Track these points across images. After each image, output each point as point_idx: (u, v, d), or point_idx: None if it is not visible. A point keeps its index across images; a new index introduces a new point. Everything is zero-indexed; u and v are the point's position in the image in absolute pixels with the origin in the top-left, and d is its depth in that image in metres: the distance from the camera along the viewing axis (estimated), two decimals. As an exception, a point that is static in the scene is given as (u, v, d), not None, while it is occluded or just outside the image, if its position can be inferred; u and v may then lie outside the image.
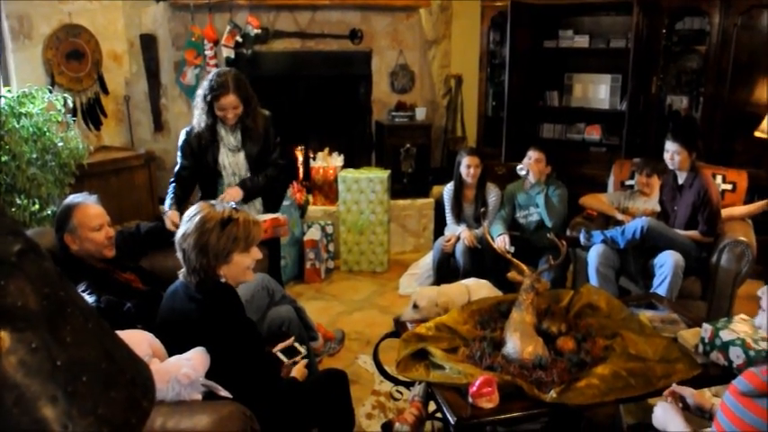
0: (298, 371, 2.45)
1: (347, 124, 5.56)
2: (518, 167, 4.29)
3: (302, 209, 4.87)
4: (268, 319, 2.95)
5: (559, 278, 4.03)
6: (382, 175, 4.90)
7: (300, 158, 5.34)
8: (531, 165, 4.20)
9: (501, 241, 4.02)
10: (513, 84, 5.24)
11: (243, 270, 2.23)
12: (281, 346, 2.53)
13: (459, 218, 4.35)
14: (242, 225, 2.17)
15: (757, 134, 4.16)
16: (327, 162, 5.16)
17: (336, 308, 4.31)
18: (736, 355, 2.33)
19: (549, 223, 4.12)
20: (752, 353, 2.27)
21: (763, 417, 1.48)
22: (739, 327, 2.42)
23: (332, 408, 2.40)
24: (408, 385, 2.86)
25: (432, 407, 2.67)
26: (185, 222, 2.18)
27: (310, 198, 5.08)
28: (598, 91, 5.44)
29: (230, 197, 3.30)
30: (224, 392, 1.97)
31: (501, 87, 5.51)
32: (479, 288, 3.03)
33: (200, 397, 1.94)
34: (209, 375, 1.98)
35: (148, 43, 5.04)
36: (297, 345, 2.55)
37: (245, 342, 2.17)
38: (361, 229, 4.88)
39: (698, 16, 4.94)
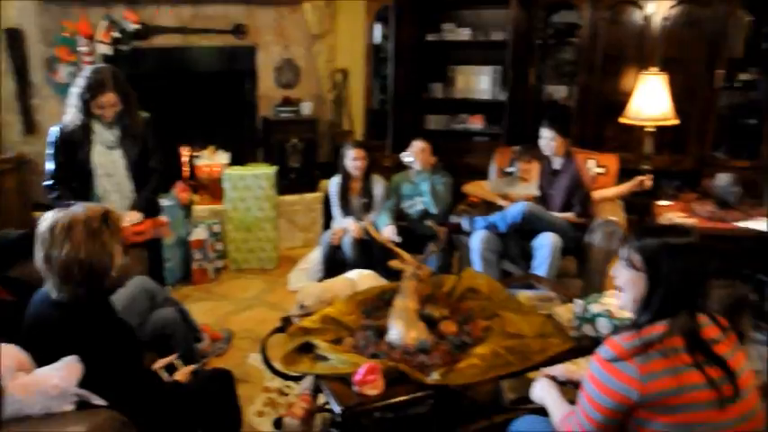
0: (181, 375, 2.40)
1: (232, 121, 5.45)
2: (403, 155, 4.35)
3: (187, 209, 4.73)
4: (150, 323, 2.85)
5: (445, 265, 4.13)
6: (269, 171, 4.84)
7: (185, 157, 5.18)
8: (416, 153, 4.28)
9: (388, 231, 4.06)
10: (397, 77, 5.30)
11: None
12: (161, 362, 2.45)
13: (346, 210, 4.37)
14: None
15: (622, 120, 4.39)
16: (212, 160, 5.04)
17: (225, 307, 4.23)
18: (604, 326, 2.46)
19: (434, 211, 4.21)
20: (617, 322, 2.41)
21: (624, 380, 1.57)
22: (608, 300, 2.56)
23: (216, 408, 2.35)
24: (298, 380, 2.86)
25: (322, 399, 2.68)
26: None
27: (196, 197, 4.94)
28: (480, 82, 5.58)
29: (130, 220, 3.22)
30: (98, 400, 1.89)
31: (387, 80, 5.56)
32: (364, 279, 3.06)
33: (72, 407, 1.85)
34: (83, 384, 1.89)
35: (14, 39, 4.73)
36: (177, 362, 2.47)
37: (118, 347, 2.08)
38: (249, 227, 4.81)
39: (571, 10, 5.17)
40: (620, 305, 1.83)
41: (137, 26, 4.81)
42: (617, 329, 2.35)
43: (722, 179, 4.16)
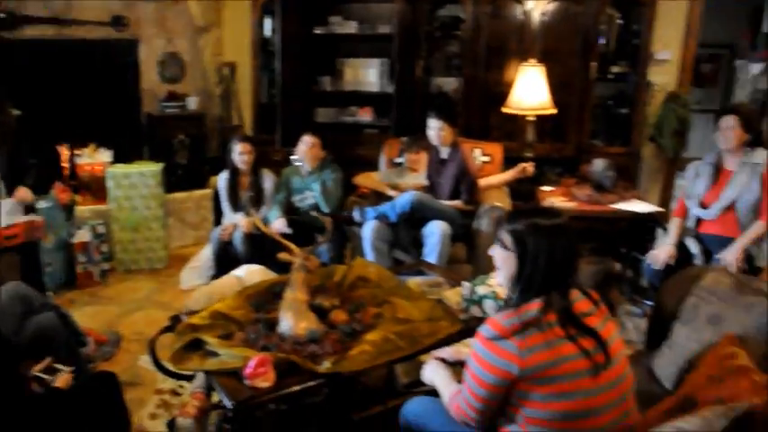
0: (62, 381, 2.29)
1: (115, 117, 5.23)
2: (293, 158, 4.33)
3: (68, 210, 4.50)
4: (28, 330, 2.70)
5: (338, 256, 4.15)
6: (155, 168, 4.69)
7: (64, 156, 4.92)
8: (305, 151, 4.25)
9: (278, 224, 4.04)
10: (285, 70, 5.26)
11: None
12: (38, 367, 2.33)
13: (236, 206, 4.31)
14: None
15: (505, 110, 4.55)
16: (94, 158, 4.82)
17: (113, 310, 4.07)
18: (490, 307, 2.55)
19: (325, 209, 4.21)
20: (501, 302, 2.50)
21: (505, 356, 1.64)
22: (493, 281, 2.65)
23: (101, 411, 2.27)
24: (190, 379, 2.80)
25: (216, 397, 2.63)
26: None
27: (77, 198, 4.71)
28: (368, 75, 5.62)
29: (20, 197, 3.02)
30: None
31: (275, 74, 5.51)
32: (252, 275, 3.04)
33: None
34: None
35: None
36: (57, 365, 2.37)
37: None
38: (136, 227, 4.64)
39: (455, 4, 5.28)
40: (498, 282, 1.90)
41: (1, 15, 4.52)
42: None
43: (598, 164, 4.40)
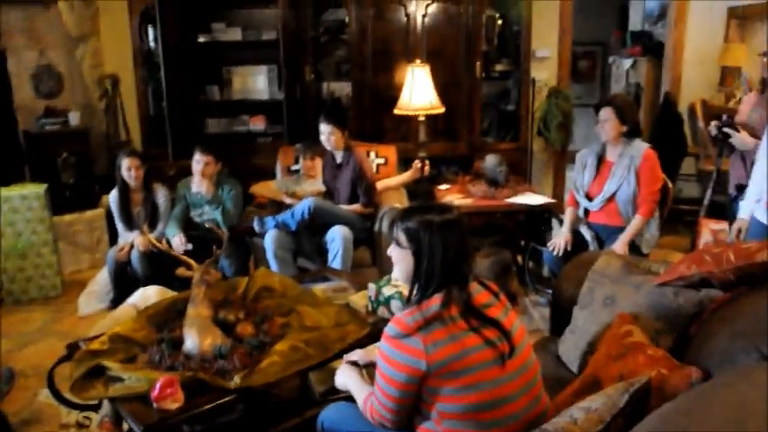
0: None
1: (-13, 137, 4.91)
2: (191, 184, 4.22)
3: (-59, 240, 4.19)
4: None
5: (241, 268, 4.06)
6: (38, 189, 4.43)
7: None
8: (200, 170, 4.10)
9: (176, 241, 3.92)
10: (170, 80, 5.09)
11: None
12: None
13: (130, 223, 4.14)
14: None
15: (397, 111, 4.62)
16: (-32, 183, 4.51)
17: (5, 345, 3.79)
18: (397, 307, 2.58)
19: (225, 228, 4.10)
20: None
21: (412, 353, 1.66)
22: (399, 282, 2.68)
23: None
24: (96, 408, 2.66)
25: (126, 425, 2.52)
26: None
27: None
28: (257, 82, 5.55)
29: None
30: None
31: (161, 85, 5.34)
32: (149, 298, 2.93)
33: None
34: None
35: None
36: None
37: None
38: (23, 254, 4.37)
39: (339, 8, 5.30)
40: (393, 276, 1.92)
41: None
42: (405, 308, 2.49)
43: (490, 160, 4.54)
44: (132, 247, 4.00)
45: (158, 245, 3.03)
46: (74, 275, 4.79)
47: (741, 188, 3.30)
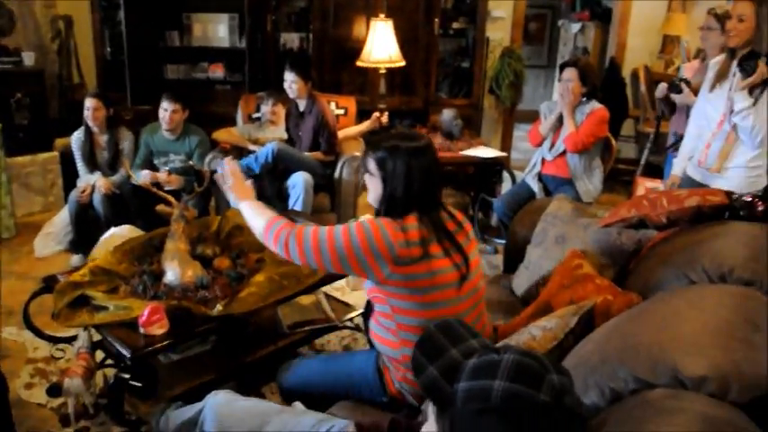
0: None
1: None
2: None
3: None
4: None
5: (203, 211, 4.14)
6: (-8, 130, 4.40)
7: None
8: (167, 117, 4.13)
9: (146, 175, 3.97)
10: (130, 24, 5.06)
11: None
12: None
13: (92, 166, 4.16)
14: None
15: (359, 64, 4.73)
16: None
17: (-40, 286, 3.82)
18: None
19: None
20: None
21: (392, 234, 1.80)
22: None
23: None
24: (71, 341, 2.77)
25: (99, 356, 2.64)
26: None
27: None
28: (218, 30, 5.54)
29: None
30: None
31: (119, 29, 5.29)
32: (123, 236, 3.02)
33: None
34: None
35: None
36: None
37: None
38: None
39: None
40: (369, 202, 2.03)
41: None
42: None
43: (447, 114, 4.74)
44: (95, 189, 4.03)
45: (139, 181, 3.09)
46: (26, 218, 4.76)
47: (679, 138, 3.57)
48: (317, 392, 2.08)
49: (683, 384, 1.24)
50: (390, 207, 1.88)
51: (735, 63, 2.77)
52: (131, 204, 3.99)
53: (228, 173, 2.21)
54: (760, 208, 2.04)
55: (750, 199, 2.07)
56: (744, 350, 1.29)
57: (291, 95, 4.19)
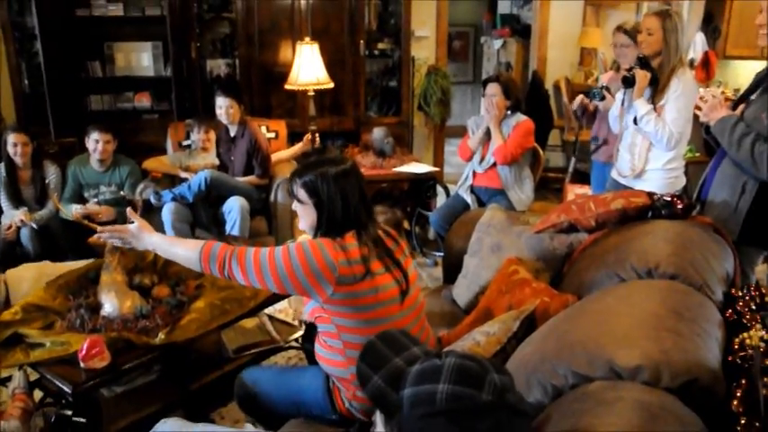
0: None
1: None
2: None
3: None
4: None
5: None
6: None
7: None
8: (99, 148, 4.05)
9: (78, 209, 3.88)
10: (48, 56, 4.93)
11: None
12: None
13: (18, 202, 4.03)
14: None
15: (287, 87, 4.74)
16: None
17: None
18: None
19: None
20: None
21: (332, 254, 1.82)
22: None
23: None
24: (5, 382, 2.67)
25: (38, 395, 2.56)
26: None
27: None
28: (141, 59, 5.46)
29: None
30: None
31: (36, 60, 5.14)
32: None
33: None
34: None
35: None
36: None
37: None
38: None
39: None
40: (301, 228, 2.05)
41: None
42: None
43: (377, 133, 4.81)
44: (22, 224, 3.89)
45: (70, 215, 3.03)
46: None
47: (602, 143, 3.73)
48: (269, 401, 2.08)
49: (619, 375, 1.31)
50: (329, 228, 1.90)
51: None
52: (62, 239, 3.88)
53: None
54: (680, 206, 2.17)
55: (670, 199, 2.20)
56: (672, 339, 1.37)
57: (225, 121, 4.17)
